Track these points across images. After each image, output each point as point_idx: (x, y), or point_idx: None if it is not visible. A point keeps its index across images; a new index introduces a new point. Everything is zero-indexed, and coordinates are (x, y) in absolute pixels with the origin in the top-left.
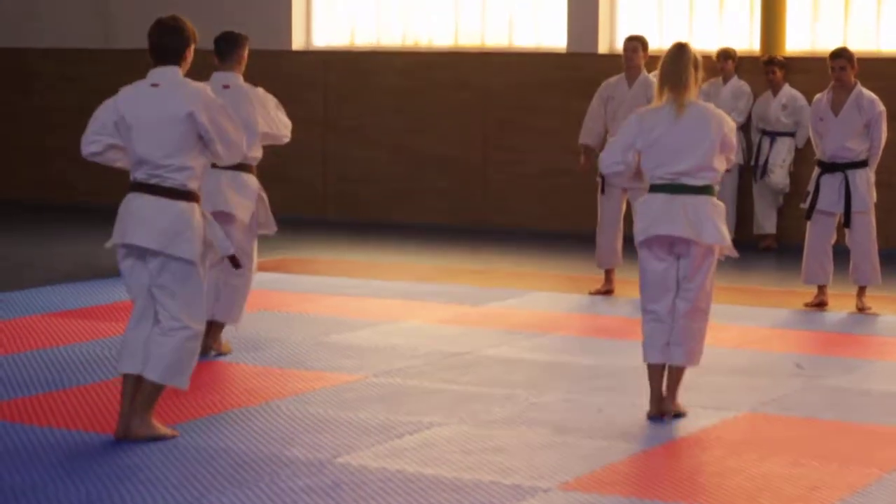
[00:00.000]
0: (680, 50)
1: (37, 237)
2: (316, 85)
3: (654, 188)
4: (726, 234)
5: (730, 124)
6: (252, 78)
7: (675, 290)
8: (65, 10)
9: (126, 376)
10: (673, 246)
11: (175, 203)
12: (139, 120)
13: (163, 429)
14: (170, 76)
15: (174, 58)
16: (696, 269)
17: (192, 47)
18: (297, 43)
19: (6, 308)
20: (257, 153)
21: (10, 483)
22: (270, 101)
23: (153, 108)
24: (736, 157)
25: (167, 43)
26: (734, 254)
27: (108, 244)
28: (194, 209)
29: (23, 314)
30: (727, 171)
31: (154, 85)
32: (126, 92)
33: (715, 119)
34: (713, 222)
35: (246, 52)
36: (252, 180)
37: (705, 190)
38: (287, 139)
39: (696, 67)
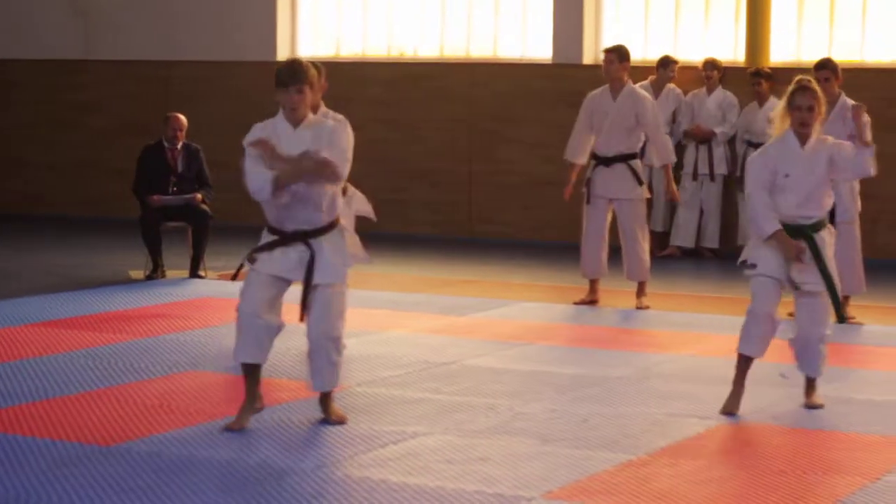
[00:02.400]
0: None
1: (17, 249)
2: None
3: None
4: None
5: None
6: (238, 89)
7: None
8: (46, 22)
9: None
10: None
11: None
12: None
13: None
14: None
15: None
16: None
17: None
18: (283, 53)
19: None
20: None
21: None
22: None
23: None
24: (721, 167)
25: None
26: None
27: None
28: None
29: (3, 325)
30: (712, 181)
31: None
32: None
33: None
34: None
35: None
36: None
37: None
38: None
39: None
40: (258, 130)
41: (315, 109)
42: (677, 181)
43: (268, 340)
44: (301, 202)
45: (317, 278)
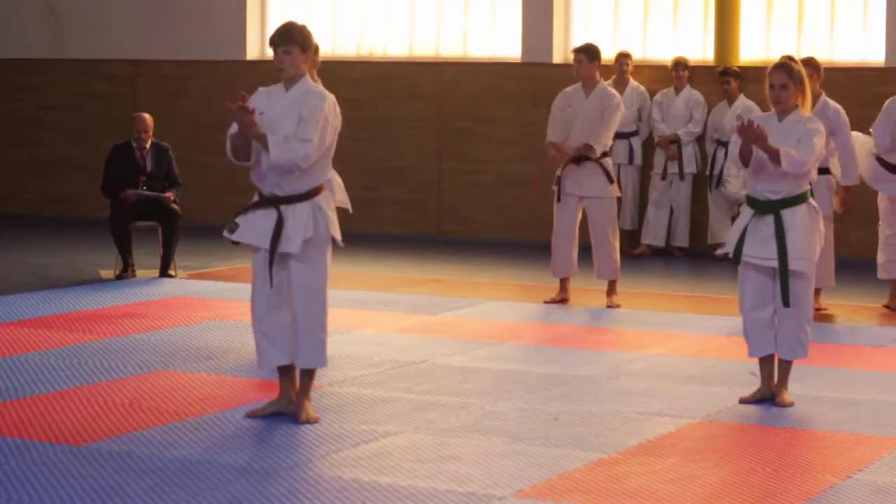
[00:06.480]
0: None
1: None
2: None
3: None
4: None
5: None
6: (207, 87)
7: None
8: (17, 20)
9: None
10: None
11: None
12: None
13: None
14: None
15: None
16: None
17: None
18: (252, 53)
19: None
20: None
21: None
22: None
23: None
24: (691, 166)
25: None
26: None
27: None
28: None
29: None
30: (681, 179)
31: None
32: None
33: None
34: None
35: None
36: None
37: None
38: None
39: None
40: (258, 94)
41: None
42: (647, 180)
43: (281, 338)
44: (272, 167)
45: (282, 247)
